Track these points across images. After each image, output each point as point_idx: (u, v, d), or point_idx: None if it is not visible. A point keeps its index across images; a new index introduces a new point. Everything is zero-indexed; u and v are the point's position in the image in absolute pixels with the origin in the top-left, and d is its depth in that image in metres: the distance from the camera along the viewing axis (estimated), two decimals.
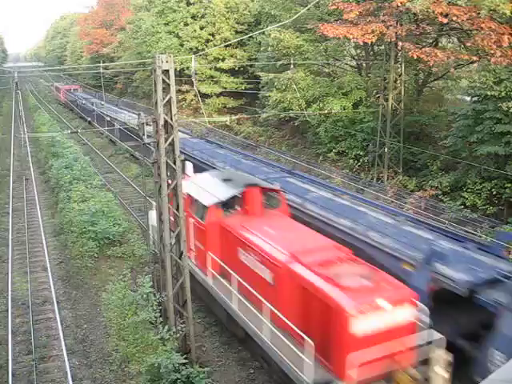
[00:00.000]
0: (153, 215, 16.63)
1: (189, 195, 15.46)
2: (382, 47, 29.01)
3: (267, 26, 35.21)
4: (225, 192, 15.07)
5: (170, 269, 12.78)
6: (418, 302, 10.88)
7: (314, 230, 14.39)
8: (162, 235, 12.84)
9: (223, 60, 48.75)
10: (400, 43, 24.29)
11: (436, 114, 29.19)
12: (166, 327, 12.51)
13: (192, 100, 51.29)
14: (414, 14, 24.24)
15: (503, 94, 20.33)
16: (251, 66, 44.96)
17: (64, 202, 24.84)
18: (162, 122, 12.02)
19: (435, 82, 31.07)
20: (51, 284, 18.40)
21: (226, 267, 14.01)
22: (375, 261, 13.24)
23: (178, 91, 46.17)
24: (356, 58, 35.90)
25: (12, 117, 60.80)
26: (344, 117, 30.27)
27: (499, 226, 18.32)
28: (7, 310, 16.63)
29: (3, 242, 22.90)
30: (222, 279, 14.09)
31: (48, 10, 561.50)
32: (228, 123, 40.58)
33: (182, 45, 52.75)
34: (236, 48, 48.67)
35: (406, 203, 21.78)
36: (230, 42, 41.53)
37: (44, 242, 22.43)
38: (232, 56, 48.81)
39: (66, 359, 13.95)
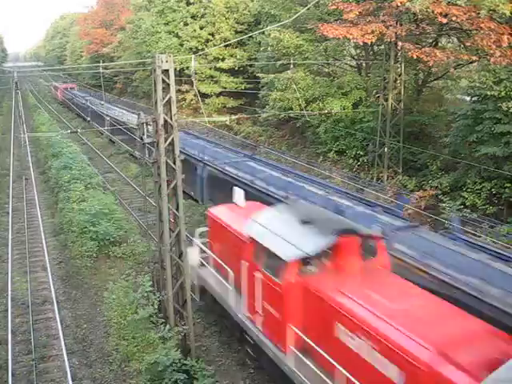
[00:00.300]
0: (193, 253, 14.87)
1: (253, 240, 12.21)
2: (382, 47, 29.01)
3: (267, 26, 35.21)
4: (311, 242, 10.95)
5: (169, 269, 12.79)
6: None
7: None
8: (162, 235, 12.86)
9: (223, 60, 48.75)
10: (400, 43, 24.29)
11: (436, 113, 29.17)
12: (168, 326, 12.53)
13: (192, 100, 51.30)
14: (414, 13, 24.23)
15: (503, 93, 20.33)
16: (251, 65, 44.97)
17: (64, 202, 24.84)
18: (161, 122, 12.03)
19: (435, 81, 31.06)
20: (51, 284, 18.39)
21: (323, 352, 9.97)
22: None
23: (178, 91, 46.11)
24: (356, 57, 35.89)
25: (12, 116, 60.79)
26: (344, 116, 30.28)
27: (499, 226, 18.32)
28: (7, 310, 16.62)
29: (3, 241, 22.89)
30: (311, 364, 10.27)
31: (48, 9, 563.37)
32: (228, 123, 40.51)
33: (181, 44, 52.78)
34: (236, 48, 48.68)
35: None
36: (229, 42, 41.48)
37: (44, 241, 22.42)
38: (232, 56, 48.82)
39: (65, 359, 13.94)
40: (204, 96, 46.71)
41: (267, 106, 36.68)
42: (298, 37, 32.41)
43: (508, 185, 20.46)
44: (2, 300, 17.49)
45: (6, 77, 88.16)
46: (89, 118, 43.73)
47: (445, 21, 22.51)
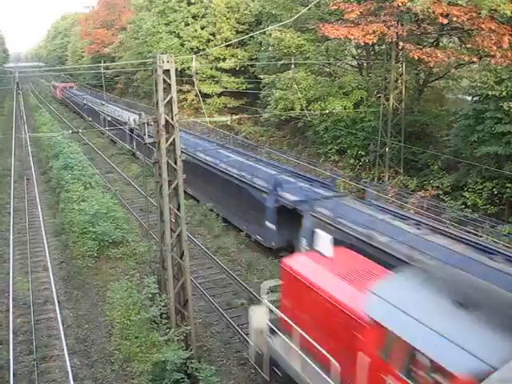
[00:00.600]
0: (260, 314, 12.00)
1: (381, 326, 8.53)
2: (383, 47, 28.99)
3: (268, 26, 35.14)
4: (493, 347, 7.24)
5: (171, 269, 12.79)
6: None
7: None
8: (163, 235, 12.85)
9: (224, 60, 48.74)
10: (401, 43, 24.27)
11: (437, 113, 29.15)
12: (173, 330, 12.49)
13: (193, 100, 51.28)
14: (415, 13, 24.20)
15: (504, 93, 20.31)
16: (252, 65, 44.97)
17: (65, 202, 24.87)
18: (162, 122, 12.03)
19: (436, 81, 31.01)
20: (52, 284, 18.41)
21: None
22: (249, 193, 21.81)
23: (179, 91, 46.09)
24: (357, 57, 35.86)
25: (13, 117, 60.86)
26: (345, 116, 30.26)
27: (500, 226, 18.29)
28: (8, 310, 16.65)
29: (4, 242, 22.93)
30: None
31: (49, 9, 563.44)
32: (229, 123, 40.49)
33: (182, 45, 52.77)
34: (237, 48, 48.66)
35: (406, 203, 21.76)
36: (230, 42, 41.43)
37: (45, 241, 22.46)
38: (233, 56, 48.80)
39: (67, 359, 13.96)
40: (205, 96, 46.67)
41: (268, 106, 36.67)
42: (299, 37, 32.38)
43: (509, 185, 20.42)
44: (3, 300, 17.51)
45: (8, 77, 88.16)
46: (90, 119, 44.32)
47: (445, 21, 22.48)
